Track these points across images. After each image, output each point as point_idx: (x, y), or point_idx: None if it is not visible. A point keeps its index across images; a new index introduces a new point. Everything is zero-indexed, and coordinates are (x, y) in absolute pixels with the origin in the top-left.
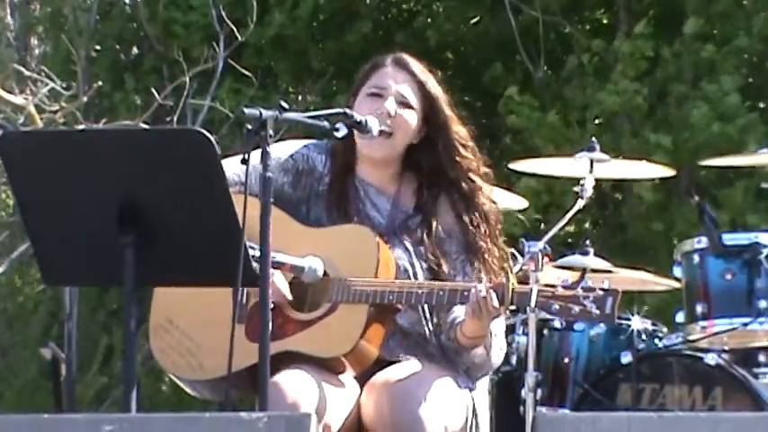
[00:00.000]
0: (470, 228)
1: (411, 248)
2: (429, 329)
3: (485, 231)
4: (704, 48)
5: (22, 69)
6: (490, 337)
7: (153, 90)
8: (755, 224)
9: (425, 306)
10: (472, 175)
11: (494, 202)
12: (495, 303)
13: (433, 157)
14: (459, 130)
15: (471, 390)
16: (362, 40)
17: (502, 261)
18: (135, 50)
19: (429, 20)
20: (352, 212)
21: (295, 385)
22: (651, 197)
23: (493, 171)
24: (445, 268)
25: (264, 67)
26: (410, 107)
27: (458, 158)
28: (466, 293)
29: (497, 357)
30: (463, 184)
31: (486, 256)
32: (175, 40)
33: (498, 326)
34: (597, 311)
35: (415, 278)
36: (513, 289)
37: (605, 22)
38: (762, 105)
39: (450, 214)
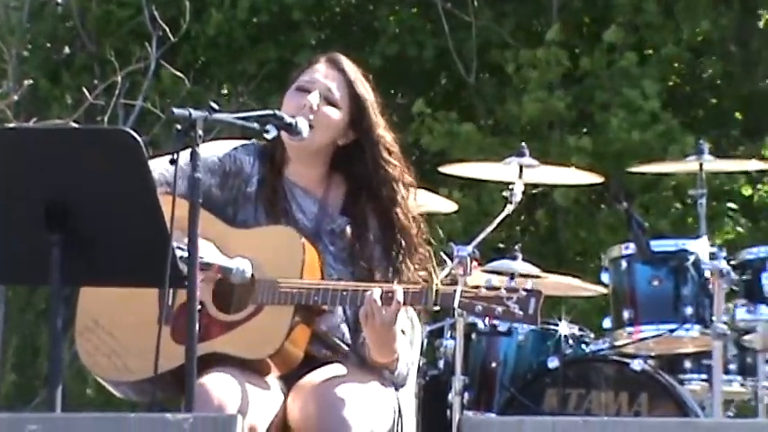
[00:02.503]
0: (390, 237)
1: (336, 253)
2: (349, 335)
3: (403, 243)
4: (624, 57)
5: None
6: (395, 349)
7: (84, 89)
8: (668, 231)
9: (348, 309)
10: (395, 183)
11: (415, 217)
12: (377, 300)
13: (359, 160)
14: (385, 135)
15: (396, 390)
16: (299, 45)
17: (422, 266)
18: (67, 49)
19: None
20: (278, 214)
21: (221, 387)
22: (568, 202)
23: (419, 176)
24: (372, 274)
25: (199, 65)
26: (335, 105)
27: (382, 163)
28: (390, 295)
29: (413, 370)
30: (385, 191)
31: (402, 267)
32: (108, 39)
33: (405, 343)
34: (520, 312)
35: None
36: (436, 290)
37: (538, 30)
38: (688, 114)
39: (374, 221)
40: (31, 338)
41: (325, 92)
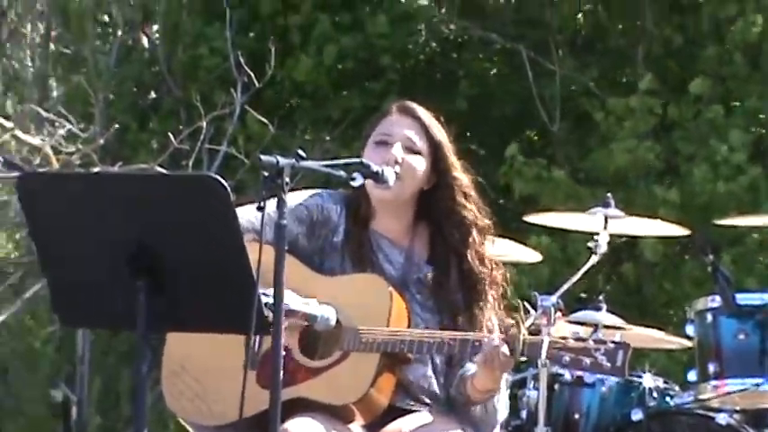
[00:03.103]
0: (463, 282)
1: (422, 302)
2: (437, 385)
3: (476, 288)
4: (711, 109)
5: (40, 110)
6: (499, 390)
7: (170, 134)
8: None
9: (436, 357)
10: (468, 227)
11: (489, 263)
12: (506, 353)
13: (438, 205)
14: (461, 178)
15: None
16: (384, 92)
17: (497, 316)
18: (153, 94)
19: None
20: (365, 264)
21: None
22: (656, 256)
23: (503, 225)
24: (456, 321)
25: (284, 111)
26: (417, 152)
27: (455, 207)
28: (477, 344)
29: (504, 411)
30: (457, 235)
31: (477, 313)
32: (194, 84)
33: (503, 381)
34: (608, 364)
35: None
36: (524, 340)
37: (625, 77)
38: None
39: (456, 268)
40: (114, 381)
41: (405, 141)
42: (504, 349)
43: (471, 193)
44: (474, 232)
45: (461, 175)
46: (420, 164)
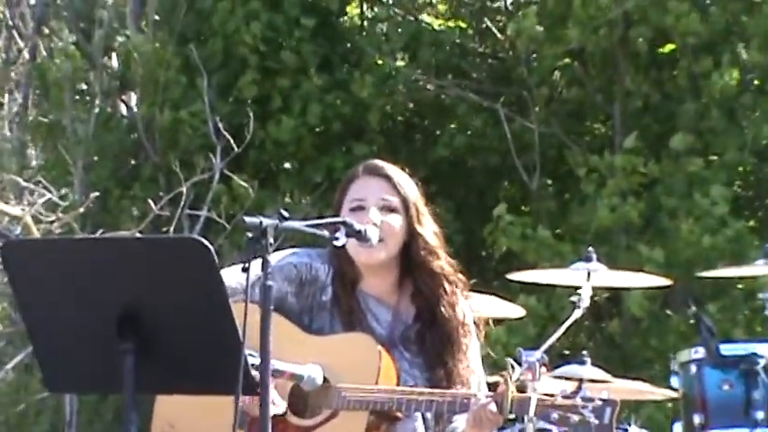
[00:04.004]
0: (437, 334)
1: (411, 359)
2: None
3: (448, 339)
4: (692, 162)
5: (19, 180)
6: None
7: (150, 201)
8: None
9: (426, 414)
10: (437, 277)
11: (458, 313)
12: (495, 410)
13: (413, 257)
14: (427, 233)
15: None
16: (369, 154)
17: (474, 368)
18: (132, 161)
19: (437, 133)
20: (354, 324)
21: None
22: (642, 310)
23: (486, 282)
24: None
25: (264, 174)
26: (393, 210)
27: (428, 259)
28: (466, 401)
29: None
30: (428, 286)
31: (452, 363)
32: (173, 150)
33: None
34: (596, 421)
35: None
36: (512, 397)
37: (602, 132)
38: (754, 218)
39: (432, 320)
40: None
41: (379, 203)
42: (492, 407)
43: (438, 246)
44: (444, 283)
45: (428, 230)
46: (397, 221)
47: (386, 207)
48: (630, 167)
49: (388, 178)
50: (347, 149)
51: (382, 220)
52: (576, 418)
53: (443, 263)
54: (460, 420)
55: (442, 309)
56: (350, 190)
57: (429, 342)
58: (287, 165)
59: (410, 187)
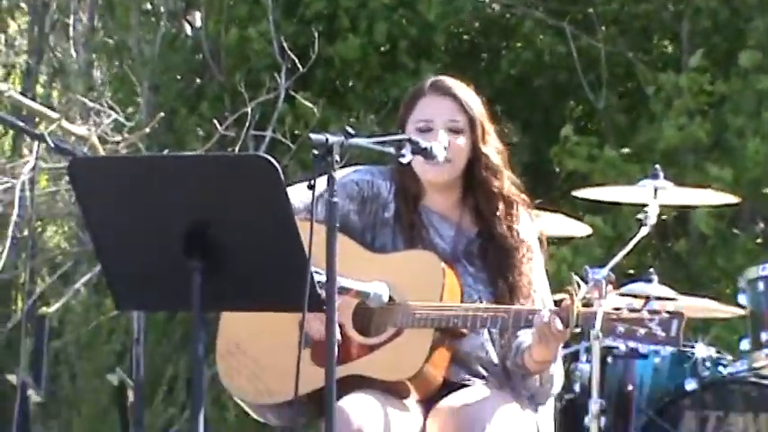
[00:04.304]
0: (494, 252)
1: (475, 274)
2: (494, 354)
3: (505, 259)
4: (760, 80)
5: (86, 101)
6: (555, 361)
7: (215, 121)
8: None
9: (491, 330)
10: (494, 197)
11: (517, 234)
12: (560, 327)
13: (474, 175)
14: (491, 152)
15: (536, 412)
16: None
17: (530, 287)
18: (198, 81)
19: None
20: (416, 240)
21: (360, 410)
22: (709, 228)
23: (553, 201)
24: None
25: (330, 93)
26: (459, 131)
27: (489, 179)
28: (531, 317)
29: (559, 383)
30: (487, 205)
31: (513, 280)
32: (238, 70)
33: (558, 352)
34: (663, 334)
35: (480, 303)
36: (577, 312)
37: (669, 51)
38: None
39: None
40: (170, 366)
41: (447, 124)
42: (557, 323)
43: (501, 165)
44: (501, 202)
45: (491, 150)
46: (464, 142)
47: (453, 129)
48: (697, 87)
49: (455, 97)
50: (415, 69)
51: (450, 141)
52: (642, 331)
53: (504, 182)
54: (526, 335)
55: (499, 227)
56: (416, 108)
57: (491, 257)
58: (352, 84)
59: (477, 106)
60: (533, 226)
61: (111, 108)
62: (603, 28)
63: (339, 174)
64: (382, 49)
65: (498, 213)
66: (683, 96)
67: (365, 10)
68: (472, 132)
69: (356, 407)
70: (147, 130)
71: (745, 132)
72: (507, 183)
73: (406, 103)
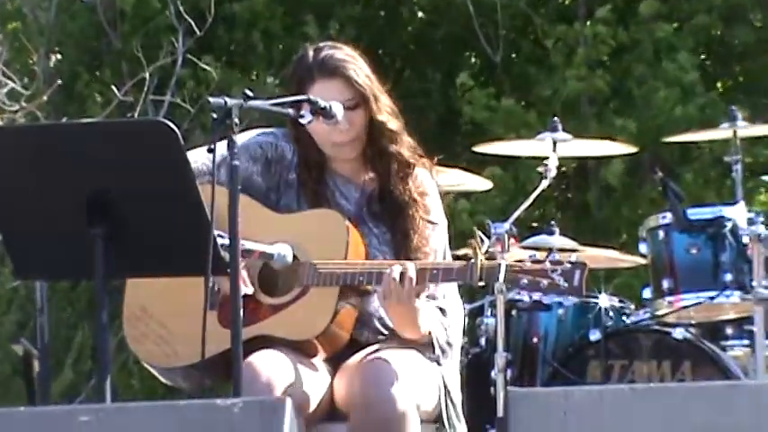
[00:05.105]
0: (395, 214)
1: (380, 235)
2: None
3: (406, 220)
4: (661, 28)
5: None
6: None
7: (113, 87)
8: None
9: None
10: (392, 159)
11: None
12: (396, 276)
13: (370, 141)
14: (389, 120)
15: (440, 365)
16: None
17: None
18: (95, 46)
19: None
20: (321, 200)
21: (269, 365)
22: (618, 182)
23: (453, 157)
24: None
25: (232, 50)
26: (355, 107)
27: (383, 143)
28: (435, 271)
29: (456, 339)
30: (383, 168)
31: (410, 241)
32: (135, 36)
33: (434, 319)
34: (565, 284)
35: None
36: (481, 265)
37: (566, 3)
38: (720, 83)
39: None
40: (74, 334)
41: (342, 103)
42: (395, 273)
43: (398, 129)
44: (394, 163)
45: (386, 116)
46: (360, 116)
47: (348, 106)
48: (600, 38)
49: (343, 76)
50: (322, 29)
51: (348, 119)
52: (545, 282)
53: (400, 146)
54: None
55: (393, 187)
56: (309, 93)
57: (388, 217)
58: (253, 44)
59: (366, 76)
60: (433, 185)
61: (6, 77)
62: None
63: (242, 136)
64: (282, 10)
65: (392, 173)
66: (588, 46)
67: None
68: (366, 105)
69: (265, 362)
70: (45, 98)
71: (647, 81)
72: (405, 146)
73: (296, 83)
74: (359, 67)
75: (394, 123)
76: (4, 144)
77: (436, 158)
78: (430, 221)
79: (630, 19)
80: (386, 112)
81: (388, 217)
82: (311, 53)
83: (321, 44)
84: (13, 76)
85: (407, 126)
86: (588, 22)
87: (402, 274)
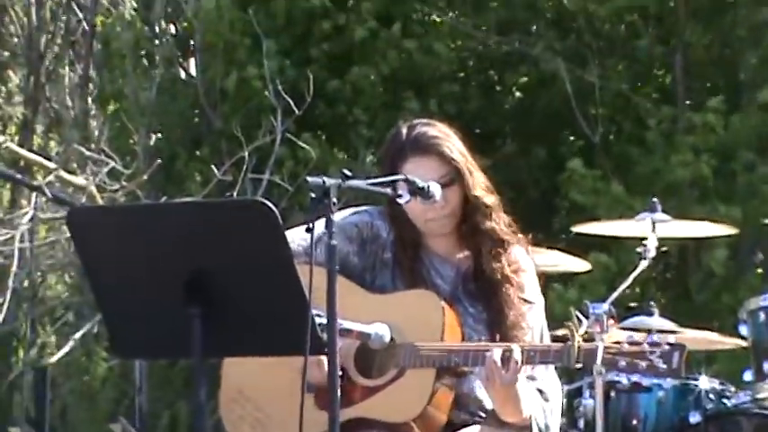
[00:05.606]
0: (493, 294)
1: (476, 314)
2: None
3: (502, 300)
4: None
5: (83, 150)
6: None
7: (213, 166)
8: None
9: None
10: (485, 237)
11: (510, 274)
12: (495, 358)
13: (466, 218)
14: (484, 195)
15: None
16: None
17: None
18: (195, 123)
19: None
20: (417, 281)
21: None
22: (722, 269)
23: (552, 238)
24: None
25: (333, 128)
26: (449, 182)
27: (477, 219)
28: (533, 354)
29: (554, 423)
30: (483, 247)
31: (505, 318)
32: (235, 115)
33: (536, 403)
34: (664, 366)
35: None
36: (579, 347)
37: (666, 84)
38: None
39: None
40: (172, 413)
41: (437, 181)
42: (496, 356)
43: (492, 205)
44: (490, 241)
45: (481, 192)
46: (455, 193)
47: (443, 183)
48: (710, 127)
49: (438, 153)
50: (422, 105)
51: (444, 198)
52: (644, 363)
53: (495, 222)
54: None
55: (486, 264)
56: (402, 171)
57: (484, 295)
58: (353, 120)
59: (459, 152)
60: (529, 262)
61: (108, 156)
62: (596, 62)
63: (338, 215)
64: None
65: (487, 251)
66: (696, 133)
67: (376, 40)
68: (461, 180)
69: None
70: (145, 177)
71: (755, 168)
72: (500, 222)
73: (389, 160)
74: (452, 144)
75: (489, 199)
76: (106, 223)
77: (532, 236)
78: (525, 300)
79: (739, 103)
80: (480, 187)
81: (483, 295)
82: (404, 130)
83: (415, 121)
84: (114, 156)
85: (503, 203)
86: (697, 111)
87: (506, 357)
